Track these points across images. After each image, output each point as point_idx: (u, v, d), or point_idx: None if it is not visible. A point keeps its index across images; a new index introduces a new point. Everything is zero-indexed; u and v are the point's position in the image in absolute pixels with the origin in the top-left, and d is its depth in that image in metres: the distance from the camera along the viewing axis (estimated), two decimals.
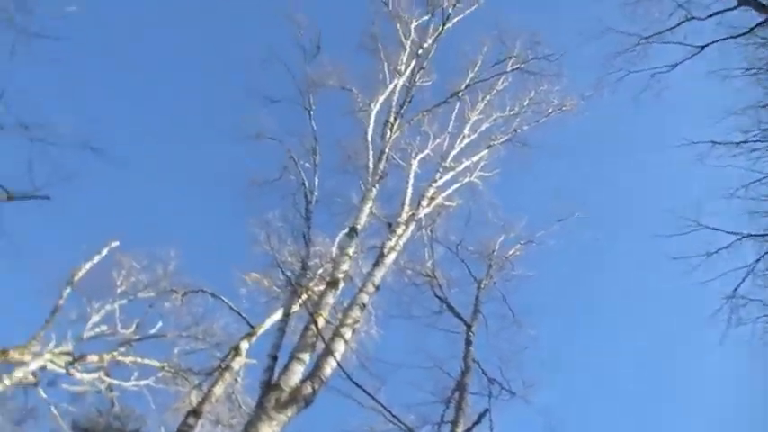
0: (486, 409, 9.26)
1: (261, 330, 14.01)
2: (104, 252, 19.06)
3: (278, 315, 13.70)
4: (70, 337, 18.16)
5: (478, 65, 15.29)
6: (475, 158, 14.25)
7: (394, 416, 9.81)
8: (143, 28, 28.28)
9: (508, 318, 15.35)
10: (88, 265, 18.66)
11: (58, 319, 17.86)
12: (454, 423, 12.15)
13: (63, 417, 17.58)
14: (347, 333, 9.17)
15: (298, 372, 8.49)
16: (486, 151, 14.60)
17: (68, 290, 18.08)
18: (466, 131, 14.48)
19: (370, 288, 9.91)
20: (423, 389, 14.20)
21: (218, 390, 12.97)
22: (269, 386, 8.35)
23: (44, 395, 17.46)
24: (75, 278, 18.31)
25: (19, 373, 16.15)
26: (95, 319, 19.02)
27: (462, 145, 14.21)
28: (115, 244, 19.28)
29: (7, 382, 15.81)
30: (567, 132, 16.21)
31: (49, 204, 7.94)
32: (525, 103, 15.66)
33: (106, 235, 19.59)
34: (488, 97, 15.49)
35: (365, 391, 7.82)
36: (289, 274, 13.03)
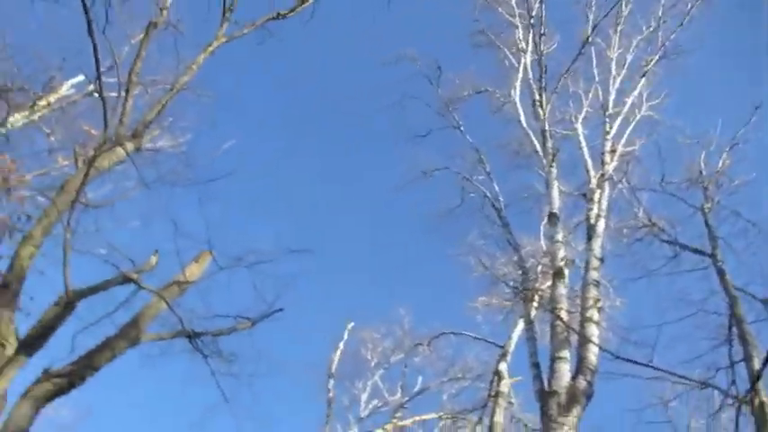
0: None
1: (511, 347, 14.06)
2: (345, 336, 20.48)
3: (520, 326, 13.72)
4: (353, 422, 19.59)
5: (594, 2, 14.53)
6: (635, 93, 13.42)
7: (681, 376, 9.29)
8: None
9: (751, 230, 13.91)
10: (338, 353, 20.11)
11: (335, 410, 19.35)
12: (747, 358, 11.17)
13: None
14: (594, 314, 8.96)
15: (565, 370, 8.42)
16: (643, 80, 13.67)
17: (332, 381, 19.57)
18: (613, 72, 13.73)
19: (595, 263, 9.64)
20: (696, 338, 13.26)
21: (499, 417, 13.14)
22: (544, 394, 8.35)
23: None
24: (333, 369, 19.79)
25: None
26: (365, 397, 20.35)
27: (616, 86, 13.48)
28: (351, 324, 20.68)
29: None
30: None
31: (284, 314, 8.73)
32: (660, 14, 14.52)
33: (340, 320, 21.15)
34: (620, 28, 14.59)
35: (640, 363, 7.53)
36: (512, 283, 13.08)
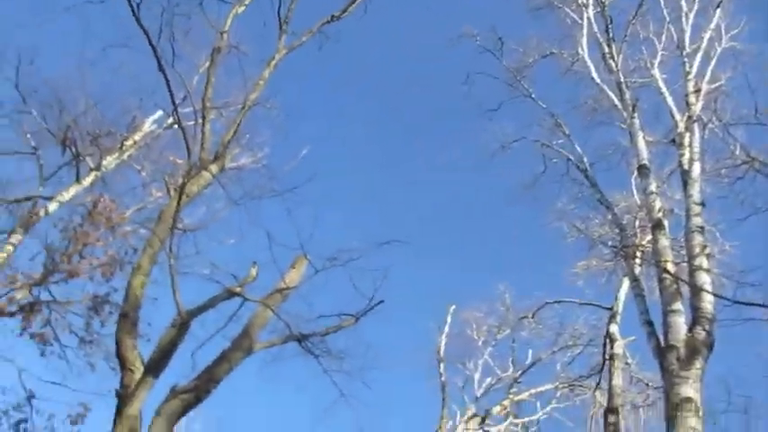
0: None
1: (620, 307, 13.67)
2: (449, 319, 20.56)
3: (626, 285, 13.34)
4: (469, 402, 19.67)
5: None
6: (712, 26, 12.68)
7: None
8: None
9: None
10: (443, 337, 20.21)
11: (450, 393, 19.45)
12: None
13: None
14: (703, 262, 8.58)
15: (680, 323, 8.12)
16: (719, 11, 12.89)
17: (442, 365, 19.70)
18: (684, 8, 13.01)
19: (696, 208, 9.23)
20: None
21: (617, 380, 12.84)
22: (662, 350, 8.10)
23: None
24: (441, 353, 19.91)
25: None
26: (477, 376, 20.38)
27: (690, 22, 12.78)
28: (453, 307, 20.73)
29: None
30: None
31: (385, 305, 8.82)
32: None
33: (440, 304, 21.26)
34: None
35: (762, 305, 7.17)
36: (610, 243, 12.73)
